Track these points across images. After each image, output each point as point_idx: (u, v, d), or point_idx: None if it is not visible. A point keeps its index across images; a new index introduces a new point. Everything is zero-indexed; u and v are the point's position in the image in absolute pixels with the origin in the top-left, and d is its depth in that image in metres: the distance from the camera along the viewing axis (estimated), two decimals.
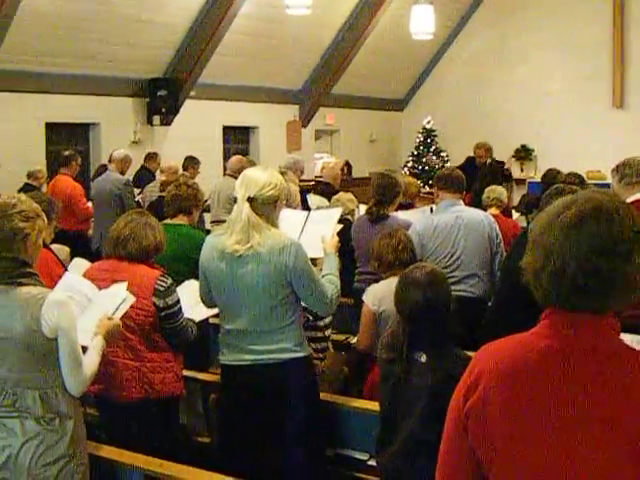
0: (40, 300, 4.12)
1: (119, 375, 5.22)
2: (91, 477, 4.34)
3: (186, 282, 5.90)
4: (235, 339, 5.10)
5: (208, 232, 6.69)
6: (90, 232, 12.10)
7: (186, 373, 5.63)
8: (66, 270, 6.09)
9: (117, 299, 4.82)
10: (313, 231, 5.62)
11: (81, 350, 4.27)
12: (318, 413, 5.24)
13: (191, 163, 13.60)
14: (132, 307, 5.04)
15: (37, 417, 4.18)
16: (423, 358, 4.60)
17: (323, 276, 5.18)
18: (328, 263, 5.36)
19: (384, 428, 4.79)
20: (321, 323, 6.22)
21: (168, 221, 6.90)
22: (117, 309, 4.75)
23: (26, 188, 11.35)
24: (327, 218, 5.81)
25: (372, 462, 5.25)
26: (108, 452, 4.69)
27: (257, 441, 5.13)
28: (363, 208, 9.01)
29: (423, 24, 18.35)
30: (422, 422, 4.40)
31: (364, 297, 6.23)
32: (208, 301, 5.34)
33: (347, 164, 19.11)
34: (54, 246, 6.69)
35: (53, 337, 4.13)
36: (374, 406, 5.28)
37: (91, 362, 4.33)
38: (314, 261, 5.33)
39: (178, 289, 5.55)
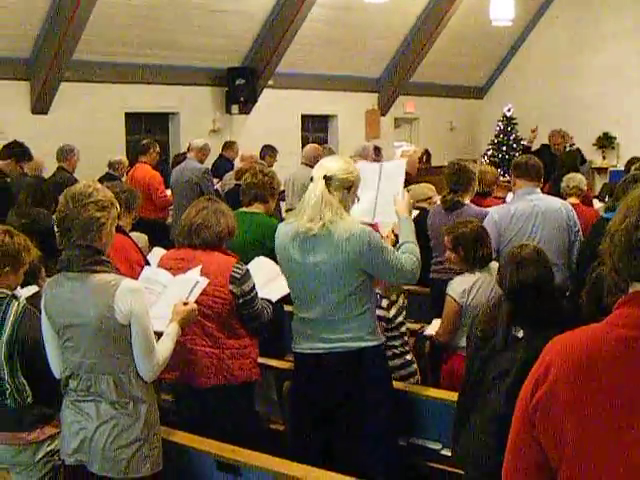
0: (113, 287, 4.16)
1: (198, 362, 5.24)
2: (164, 461, 4.38)
3: (255, 260, 5.91)
4: (308, 327, 5.09)
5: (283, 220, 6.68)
6: (169, 220, 12.19)
7: (260, 360, 5.63)
8: (144, 257, 6.15)
9: (190, 283, 4.85)
10: (386, 191, 5.53)
11: (154, 336, 4.30)
12: (391, 402, 5.21)
13: (268, 152, 13.62)
14: (209, 295, 5.06)
15: (111, 401, 4.23)
16: (520, 333, 4.57)
17: (400, 246, 5.14)
18: (403, 229, 5.27)
19: (465, 402, 4.75)
20: (389, 314, 6.13)
21: (244, 209, 6.91)
22: (191, 293, 4.77)
23: (107, 177, 11.49)
24: (397, 170, 5.70)
25: (445, 452, 5.22)
26: (181, 437, 4.72)
27: (330, 429, 5.12)
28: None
29: (503, 10, 18.13)
30: (507, 397, 4.35)
31: (449, 290, 6.17)
32: None
33: (426, 152, 18.98)
34: (133, 234, 6.76)
35: (126, 323, 4.17)
36: (448, 395, 5.25)
37: (164, 348, 4.36)
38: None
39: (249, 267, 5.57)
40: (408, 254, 5.08)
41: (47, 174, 11.56)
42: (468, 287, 6.03)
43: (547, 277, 4.78)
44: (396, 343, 5.96)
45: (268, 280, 5.63)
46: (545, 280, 4.75)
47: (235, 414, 5.32)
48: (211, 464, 4.52)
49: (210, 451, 4.54)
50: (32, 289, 5.23)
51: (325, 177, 4.93)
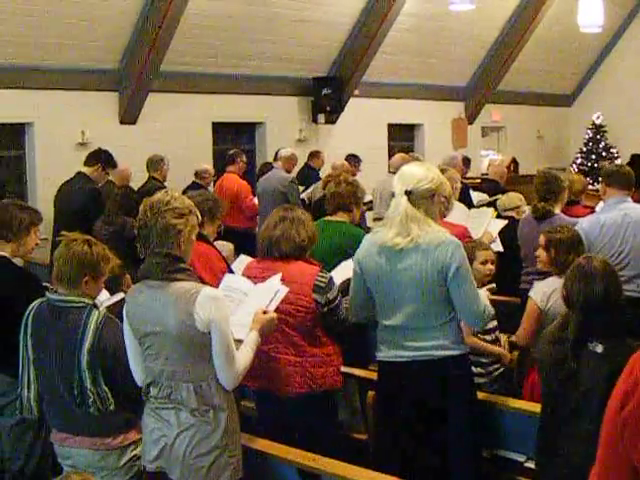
0: (194, 295, 4.18)
1: (282, 371, 5.26)
2: (244, 469, 4.39)
3: (342, 264, 5.91)
4: (392, 335, 5.07)
5: (369, 230, 6.67)
6: (256, 230, 12.24)
7: (344, 369, 5.62)
8: (228, 266, 6.18)
9: (271, 291, 4.85)
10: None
11: (234, 344, 4.32)
12: (475, 412, 5.16)
13: (352, 161, 13.63)
14: (292, 304, 5.08)
15: (192, 409, 4.25)
16: (599, 348, 4.50)
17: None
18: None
19: (549, 427, 4.68)
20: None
21: (328, 217, 6.94)
22: (272, 301, 4.78)
23: (193, 187, 11.60)
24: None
25: (529, 464, 5.14)
26: (262, 445, 4.72)
27: (413, 439, 5.09)
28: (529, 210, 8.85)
29: (591, 16, 17.89)
30: (598, 416, 4.27)
31: (531, 292, 6.11)
32: (358, 305, 5.31)
33: (514, 161, 18.80)
34: (218, 242, 6.80)
35: (206, 331, 4.19)
36: (533, 407, 5.17)
37: (244, 357, 4.37)
38: None
39: (333, 273, 5.58)
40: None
41: (134, 184, 11.72)
42: (550, 291, 5.96)
43: (618, 289, 4.70)
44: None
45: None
46: (617, 292, 4.67)
47: (318, 422, 5.32)
48: (292, 472, 4.52)
49: (291, 459, 4.54)
50: (118, 296, 5.31)
51: (406, 192, 4.91)
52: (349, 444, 5.75)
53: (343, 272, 5.89)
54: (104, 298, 5.17)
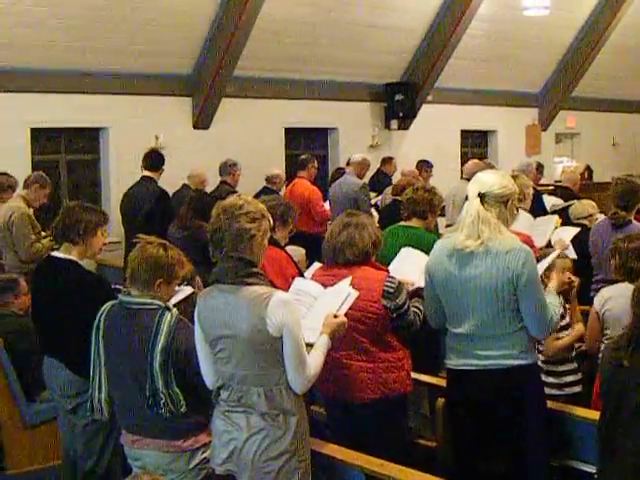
0: (266, 299, 4.20)
1: (354, 377, 5.26)
2: (312, 473, 4.40)
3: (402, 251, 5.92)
4: (461, 343, 5.04)
5: (440, 237, 6.65)
6: None
7: (413, 376, 5.61)
8: (300, 271, 6.20)
9: (341, 295, 4.85)
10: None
11: (305, 349, 4.33)
12: (545, 422, 5.11)
13: (424, 167, 13.62)
14: (362, 310, 5.08)
15: (262, 413, 4.27)
16: None
17: None
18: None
19: (609, 431, 4.64)
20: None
21: (402, 223, 6.98)
22: (342, 304, 4.77)
23: (264, 192, 11.65)
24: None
25: None
26: (331, 450, 4.72)
27: (482, 447, 5.05)
28: (601, 218, 8.72)
29: None
30: None
31: (595, 297, 6.09)
32: (433, 312, 5.29)
33: (588, 168, 18.58)
34: (289, 247, 6.82)
35: (278, 335, 4.20)
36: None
37: (315, 361, 4.38)
38: None
39: (396, 262, 5.55)
40: (552, 305, 5.02)
41: (209, 188, 11.82)
42: (608, 296, 5.94)
43: None
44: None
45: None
46: None
47: (388, 428, 5.31)
48: (360, 478, 4.51)
49: (359, 464, 4.53)
50: (187, 291, 5.37)
51: (480, 194, 4.89)
52: (417, 451, 5.73)
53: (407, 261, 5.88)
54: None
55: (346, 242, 5.37)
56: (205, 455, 4.64)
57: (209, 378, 4.50)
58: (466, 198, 5.05)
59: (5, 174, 9.96)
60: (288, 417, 4.28)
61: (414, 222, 6.94)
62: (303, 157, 12.93)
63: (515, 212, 5.13)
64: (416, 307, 5.50)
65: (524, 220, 7.49)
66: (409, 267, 5.88)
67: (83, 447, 5.67)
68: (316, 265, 6.40)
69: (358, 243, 5.35)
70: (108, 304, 4.89)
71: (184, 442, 4.66)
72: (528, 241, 6.67)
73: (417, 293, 5.66)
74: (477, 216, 4.85)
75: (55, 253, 5.78)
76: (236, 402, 4.33)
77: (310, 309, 4.80)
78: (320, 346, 4.50)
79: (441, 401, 5.57)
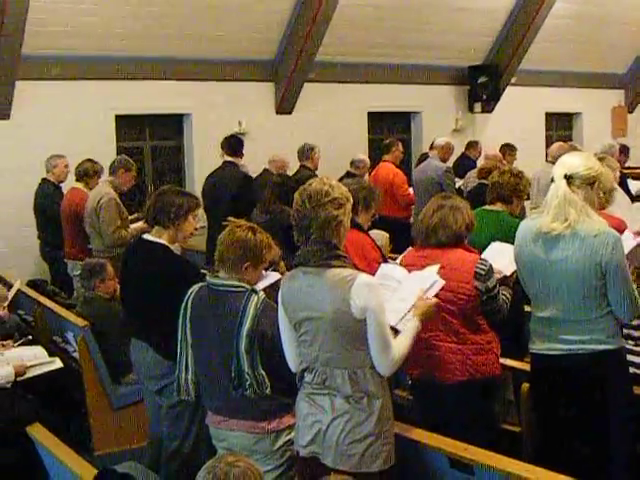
0: (350, 282, 4.19)
1: (443, 358, 5.25)
2: (396, 457, 4.38)
3: (493, 245, 5.88)
4: (546, 327, 5.01)
5: None
6: (411, 219, 12.22)
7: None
8: (383, 255, 6.19)
9: (427, 282, 4.83)
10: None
11: (390, 331, 4.31)
12: (630, 407, 5.03)
13: (507, 150, 13.48)
14: (453, 291, 5.08)
15: (346, 395, 4.26)
16: None
17: None
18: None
19: None
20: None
21: (487, 207, 6.94)
22: (427, 291, 4.75)
23: (348, 176, 11.64)
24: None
25: None
26: (414, 434, 4.69)
27: (567, 432, 5.01)
28: None
29: None
30: None
31: None
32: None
33: None
34: (373, 232, 6.81)
35: (362, 318, 4.19)
36: None
37: (402, 344, 4.36)
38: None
39: (486, 255, 5.56)
40: None
41: (290, 173, 11.86)
42: None
43: None
44: None
45: (510, 262, 5.54)
46: None
47: (474, 411, 5.30)
48: (444, 461, 4.49)
49: (443, 448, 4.51)
50: (274, 277, 5.39)
51: (566, 176, 4.84)
52: (502, 436, 5.69)
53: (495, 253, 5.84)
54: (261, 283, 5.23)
55: (439, 224, 5.37)
56: (290, 437, 4.65)
57: (292, 361, 4.52)
58: (552, 180, 4.98)
59: (90, 160, 10.10)
60: (372, 400, 4.27)
61: (498, 206, 6.89)
62: (388, 141, 12.89)
63: (605, 195, 5.07)
64: (504, 294, 5.47)
65: (620, 204, 7.35)
66: (497, 257, 5.85)
67: (168, 428, 5.75)
68: (410, 249, 6.39)
69: (452, 225, 5.35)
70: (196, 286, 4.94)
71: (269, 424, 4.69)
72: (620, 225, 6.56)
73: (504, 282, 5.62)
74: (563, 198, 4.82)
75: (146, 236, 5.86)
76: (320, 385, 4.33)
77: (394, 293, 4.79)
78: (409, 329, 4.50)
79: (526, 386, 5.53)
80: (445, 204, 5.45)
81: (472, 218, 5.51)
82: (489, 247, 6.03)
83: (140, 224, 8.78)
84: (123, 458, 5.99)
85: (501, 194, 6.88)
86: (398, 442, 4.44)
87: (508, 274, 5.61)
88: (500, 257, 5.82)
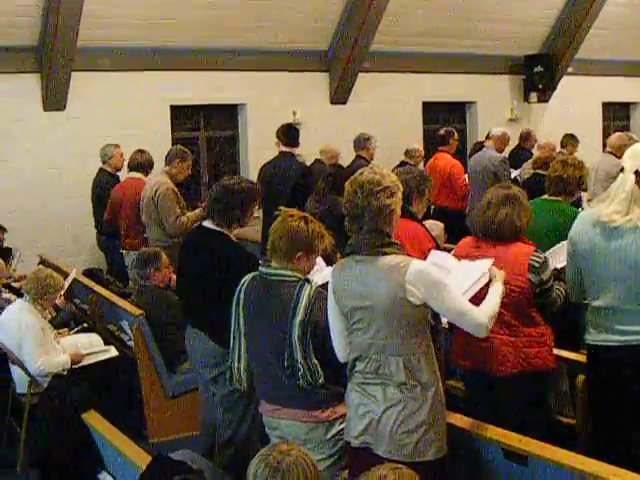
0: (404, 268, 4.18)
1: (494, 350, 5.21)
2: (449, 447, 4.36)
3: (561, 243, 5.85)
4: (602, 318, 4.98)
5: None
6: (467, 210, 12.15)
7: (554, 351, 5.51)
8: (437, 245, 6.16)
9: (474, 275, 4.77)
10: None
11: (462, 299, 4.33)
12: None
13: (570, 141, 13.31)
14: (507, 284, 4.97)
15: (399, 383, 4.24)
16: None
17: None
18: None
19: None
20: None
21: (546, 196, 6.91)
22: (472, 285, 4.69)
23: (402, 165, 11.60)
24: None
25: None
26: (468, 424, 4.67)
27: (624, 424, 4.96)
28: None
29: None
30: None
31: None
32: (574, 285, 5.22)
33: None
34: (428, 222, 6.78)
35: (418, 304, 4.18)
36: None
37: (489, 304, 4.44)
38: None
39: (549, 253, 5.53)
40: None
41: (344, 163, 11.84)
42: None
43: None
44: None
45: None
46: None
47: (527, 403, 5.25)
48: (497, 452, 4.47)
49: (497, 439, 4.49)
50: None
51: (637, 172, 4.81)
52: (557, 428, 5.65)
53: (556, 256, 5.80)
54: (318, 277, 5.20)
55: (503, 220, 5.28)
56: (342, 426, 4.64)
57: (340, 351, 4.50)
58: (621, 170, 4.93)
59: (140, 151, 10.15)
60: (425, 389, 4.25)
61: (558, 196, 6.85)
62: (444, 131, 12.80)
63: None
64: (559, 289, 5.42)
65: None
66: (557, 253, 5.81)
67: (222, 416, 5.79)
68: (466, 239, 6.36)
69: (516, 222, 5.29)
70: (249, 276, 4.96)
71: (322, 412, 4.70)
72: None
73: (558, 277, 5.57)
74: (631, 194, 4.80)
75: (206, 223, 5.89)
76: (373, 373, 4.31)
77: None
78: (494, 289, 4.58)
79: (581, 378, 5.49)
80: (509, 199, 5.36)
81: (532, 213, 5.46)
82: (553, 248, 5.99)
83: (198, 211, 8.84)
84: (177, 446, 6.04)
85: (562, 185, 6.83)
86: (451, 432, 4.43)
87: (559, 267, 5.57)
88: (555, 253, 5.79)
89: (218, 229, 5.80)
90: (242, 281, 4.95)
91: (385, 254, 4.24)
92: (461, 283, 4.62)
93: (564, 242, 5.74)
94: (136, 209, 9.54)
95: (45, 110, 11.83)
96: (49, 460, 5.87)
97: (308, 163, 11.48)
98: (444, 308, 4.25)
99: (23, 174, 11.53)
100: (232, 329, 4.96)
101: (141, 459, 4.73)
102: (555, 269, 5.59)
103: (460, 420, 4.72)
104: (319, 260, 5.18)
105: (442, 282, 4.23)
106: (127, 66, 12.23)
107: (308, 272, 4.91)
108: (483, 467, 4.62)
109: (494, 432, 4.56)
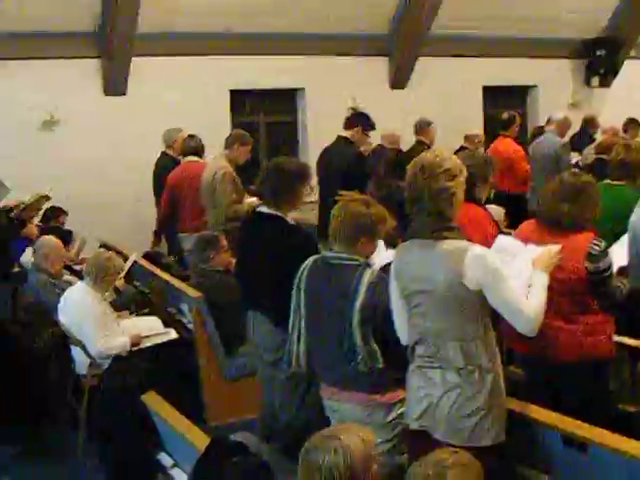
0: (463, 252, 4.17)
1: (552, 337, 5.15)
2: (508, 432, 4.35)
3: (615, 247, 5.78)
4: None
5: None
6: (528, 194, 12.05)
7: (616, 339, 5.45)
8: (500, 230, 6.12)
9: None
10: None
11: (517, 292, 4.27)
12: None
13: (632, 126, 13.14)
14: (564, 271, 4.96)
15: (458, 368, 4.24)
16: None
17: None
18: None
19: None
20: None
21: (608, 181, 6.85)
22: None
23: (462, 151, 11.54)
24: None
25: None
26: (527, 409, 4.62)
27: None
28: None
29: None
30: None
31: None
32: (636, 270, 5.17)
33: None
34: (491, 206, 6.73)
35: (476, 289, 4.16)
36: None
37: (535, 299, 4.34)
38: None
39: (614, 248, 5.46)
40: None
41: (405, 148, 11.81)
42: None
43: None
44: None
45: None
46: None
47: (587, 391, 5.20)
48: (556, 439, 4.43)
49: (556, 425, 4.44)
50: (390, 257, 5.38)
51: None
52: (617, 415, 5.58)
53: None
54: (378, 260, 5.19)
55: (570, 212, 5.19)
56: (402, 410, 4.65)
57: (402, 334, 4.51)
58: None
59: (191, 136, 10.20)
60: (484, 374, 4.24)
61: (622, 181, 6.80)
62: (507, 115, 12.66)
63: None
64: (622, 282, 5.34)
65: None
66: (617, 248, 5.75)
67: (282, 400, 5.81)
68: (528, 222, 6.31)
69: (586, 215, 5.23)
70: (310, 259, 4.98)
71: (382, 396, 4.70)
72: None
73: (622, 273, 5.50)
74: None
75: (261, 208, 5.91)
76: (432, 357, 4.31)
77: (507, 266, 4.71)
78: (538, 283, 4.46)
79: None
80: (579, 191, 5.25)
81: (597, 201, 5.34)
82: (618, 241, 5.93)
83: (255, 198, 8.85)
84: (235, 429, 6.05)
85: (626, 170, 6.76)
86: (510, 417, 4.41)
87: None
88: (619, 247, 5.73)
89: (273, 212, 5.81)
90: (304, 264, 4.97)
91: (445, 238, 4.23)
92: (526, 267, 4.59)
93: (624, 238, 5.69)
94: (196, 192, 9.58)
95: (106, 95, 11.94)
96: (108, 441, 5.93)
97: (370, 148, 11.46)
98: (498, 300, 4.20)
99: (83, 159, 11.63)
100: (292, 312, 4.99)
101: (200, 440, 4.76)
102: (622, 267, 5.52)
103: (520, 406, 4.68)
104: (380, 242, 5.17)
105: (500, 271, 4.20)
106: (187, 51, 12.28)
107: (369, 256, 4.90)
108: (542, 454, 4.58)
109: (554, 418, 4.52)
